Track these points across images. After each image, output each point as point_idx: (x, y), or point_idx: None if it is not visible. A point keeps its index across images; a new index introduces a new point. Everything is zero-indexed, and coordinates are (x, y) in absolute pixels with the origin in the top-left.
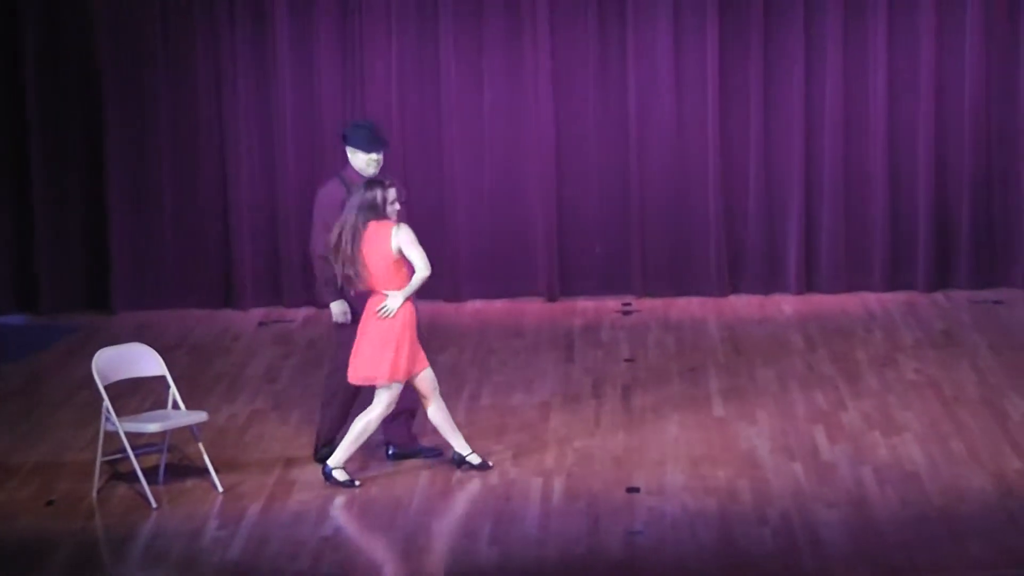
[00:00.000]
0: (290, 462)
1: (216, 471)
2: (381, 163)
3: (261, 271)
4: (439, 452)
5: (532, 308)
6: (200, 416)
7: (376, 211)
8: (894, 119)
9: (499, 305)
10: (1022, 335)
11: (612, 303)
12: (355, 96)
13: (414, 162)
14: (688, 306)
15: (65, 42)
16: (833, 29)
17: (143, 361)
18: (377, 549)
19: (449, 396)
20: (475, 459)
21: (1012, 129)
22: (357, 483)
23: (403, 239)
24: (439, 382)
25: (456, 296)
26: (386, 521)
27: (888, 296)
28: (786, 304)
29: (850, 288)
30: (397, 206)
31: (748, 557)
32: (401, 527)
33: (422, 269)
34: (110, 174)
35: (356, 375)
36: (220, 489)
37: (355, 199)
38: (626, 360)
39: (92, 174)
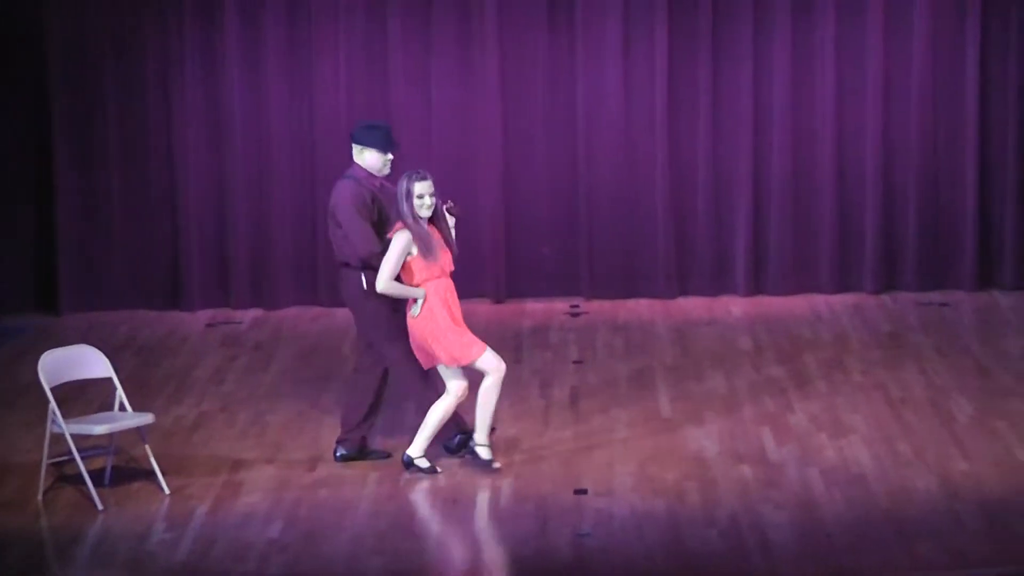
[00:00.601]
0: (237, 464)
1: (163, 473)
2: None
3: (209, 273)
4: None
5: (480, 310)
6: (147, 418)
7: (400, 204)
8: (841, 122)
9: None
10: (968, 337)
11: (560, 305)
12: (303, 98)
13: None
14: (637, 308)
15: (13, 44)
16: (781, 32)
17: (90, 363)
18: (324, 550)
19: (399, 397)
20: (485, 452)
21: (958, 132)
22: (439, 470)
23: (391, 244)
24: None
25: None
26: (334, 523)
27: (835, 298)
28: (734, 306)
29: (798, 290)
30: (427, 200)
31: (696, 559)
32: (349, 529)
33: (378, 281)
34: (58, 175)
35: (425, 360)
36: (167, 491)
37: (404, 191)
38: (574, 362)
39: (40, 176)
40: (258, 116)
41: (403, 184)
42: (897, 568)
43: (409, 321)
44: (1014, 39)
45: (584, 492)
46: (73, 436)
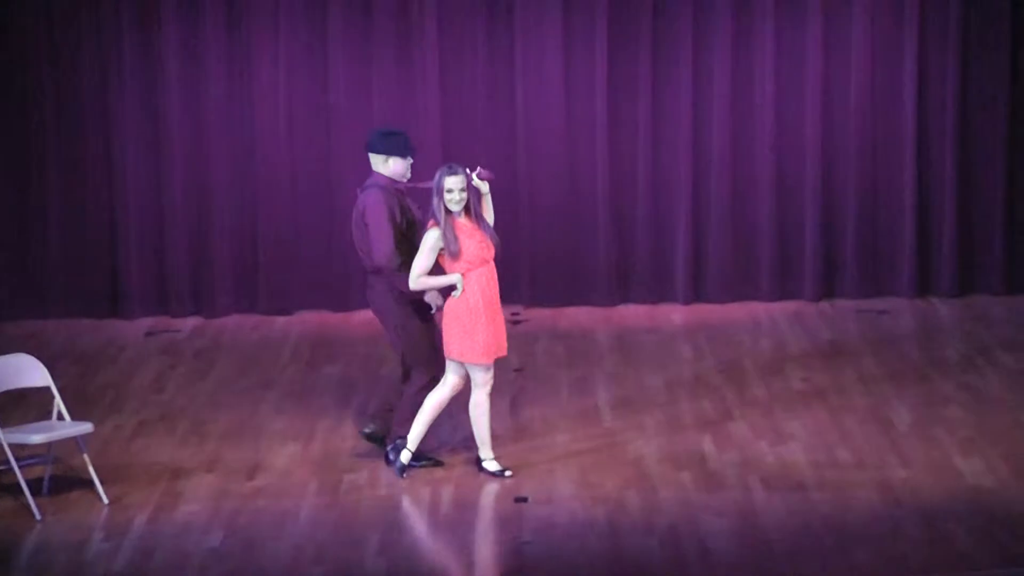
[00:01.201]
0: (177, 472)
1: (102, 482)
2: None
3: (148, 281)
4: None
5: None
6: (85, 427)
7: (434, 198)
8: (781, 129)
9: None
10: (907, 344)
11: None
12: (242, 104)
13: (302, 170)
14: (577, 315)
15: None
16: (721, 42)
17: (28, 372)
18: (265, 560)
19: (339, 407)
20: (493, 465)
21: (896, 139)
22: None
23: (423, 240)
24: (327, 393)
25: (344, 306)
26: (274, 531)
27: (775, 306)
28: (675, 314)
29: (738, 298)
30: (458, 195)
31: (637, 566)
32: (288, 538)
33: (411, 278)
34: None
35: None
36: (106, 500)
37: (435, 186)
38: (515, 370)
39: None
40: (197, 122)
41: (436, 179)
42: (836, 575)
43: (451, 303)
44: (951, 49)
45: (525, 500)
46: (10, 445)
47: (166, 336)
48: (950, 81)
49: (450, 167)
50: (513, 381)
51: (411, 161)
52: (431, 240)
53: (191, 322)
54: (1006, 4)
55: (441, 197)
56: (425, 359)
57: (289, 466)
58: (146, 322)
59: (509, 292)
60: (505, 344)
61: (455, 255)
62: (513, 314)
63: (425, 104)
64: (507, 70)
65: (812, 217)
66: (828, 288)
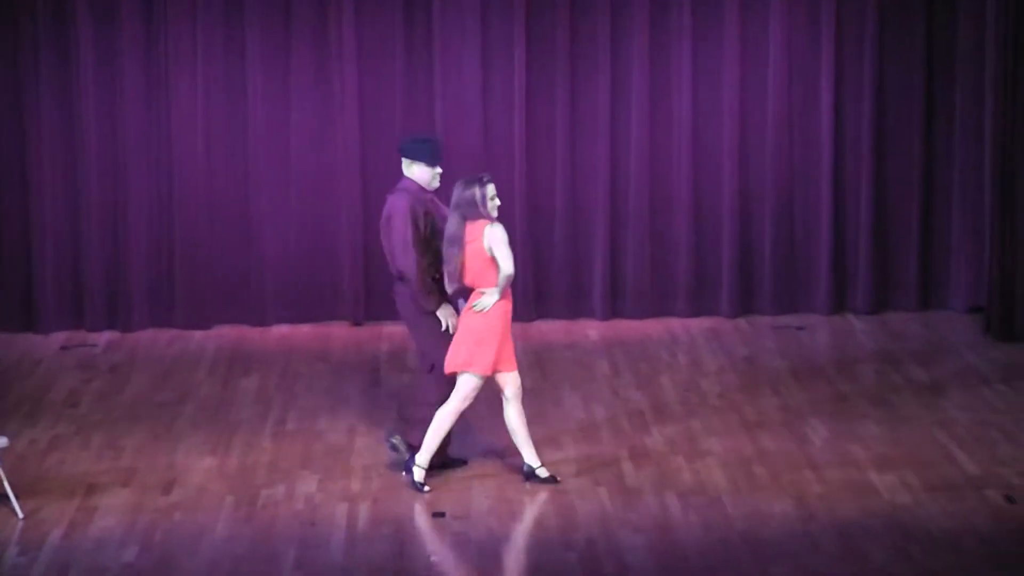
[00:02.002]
0: (92, 487)
1: (16, 497)
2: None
3: (63, 294)
4: (464, 462)
5: (338, 333)
6: (0, 441)
7: (474, 208)
8: (698, 145)
9: (305, 330)
10: (823, 360)
11: None
12: (160, 115)
13: (219, 184)
14: None
15: None
16: (639, 59)
17: None
18: (181, 575)
19: (254, 421)
20: (543, 472)
21: (813, 157)
22: (427, 488)
23: (493, 237)
24: (245, 407)
25: (262, 321)
26: (190, 547)
27: (692, 322)
28: (591, 329)
29: (655, 314)
30: (497, 201)
31: None
32: (205, 552)
33: (505, 268)
34: None
35: (451, 365)
36: (20, 515)
37: (455, 198)
38: None
39: None
40: (113, 136)
41: (475, 191)
42: None
43: (469, 315)
44: (867, 69)
45: (442, 515)
46: None
47: (81, 350)
48: (866, 100)
49: (482, 177)
50: None
51: (439, 170)
52: (504, 233)
53: (106, 336)
54: (920, 22)
55: (486, 205)
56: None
57: (205, 481)
58: (61, 336)
59: None
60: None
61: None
62: None
63: (343, 115)
64: (426, 82)
65: (729, 233)
66: (745, 304)
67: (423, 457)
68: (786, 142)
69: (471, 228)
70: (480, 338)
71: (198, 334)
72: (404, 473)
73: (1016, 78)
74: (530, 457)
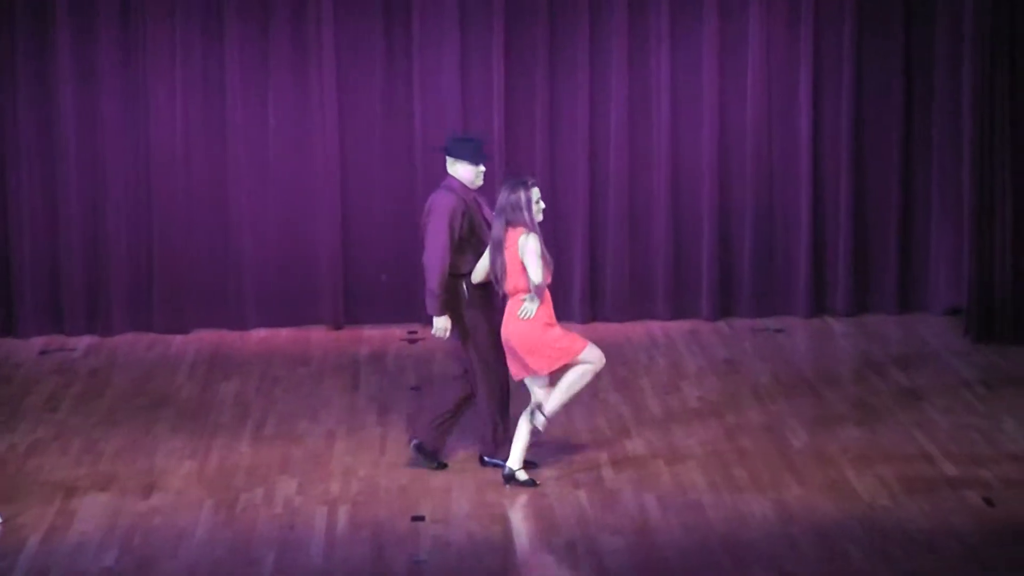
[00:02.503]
0: (71, 491)
1: None
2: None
3: (42, 299)
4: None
5: (318, 336)
6: None
7: (518, 213)
8: (677, 148)
9: (284, 333)
10: (802, 363)
11: (398, 331)
12: (138, 119)
13: (198, 187)
14: None
15: None
16: (618, 61)
17: None
18: None
19: (234, 426)
20: (523, 475)
21: (792, 160)
22: (538, 483)
23: (526, 247)
24: (224, 411)
25: (241, 324)
26: (169, 551)
27: (672, 324)
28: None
29: (634, 317)
30: (542, 204)
31: None
32: (184, 556)
33: (533, 279)
34: None
35: (517, 372)
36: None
37: (500, 202)
38: (412, 388)
39: None
40: (92, 137)
41: (520, 194)
42: None
43: (515, 323)
44: (846, 70)
45: (421, 519)
46: None
47: (60, 355)
48: (845, 104)
49: (526, 180)
50: (410, 399)
51: (482, 169)
52: (539, 241)
53: (86, 340)
54: (898, 26)
55: (531, 209)
56: (485, 370)
57: (185, 485)
58: (40, 340)
59: (406, 311)
60: (571, 351)
61: (548, 267)
62: (410, 332)
63: (323, 119)
64: (405, 85)
65: (708, 236)
66: (724, 307)
67: (515, 459)
68: (765, 145)
69: (511, 234)
70: (532, 344)
71: (177, 338)
72: (507, 484)
73: (993, 82)
74: (515, 461)
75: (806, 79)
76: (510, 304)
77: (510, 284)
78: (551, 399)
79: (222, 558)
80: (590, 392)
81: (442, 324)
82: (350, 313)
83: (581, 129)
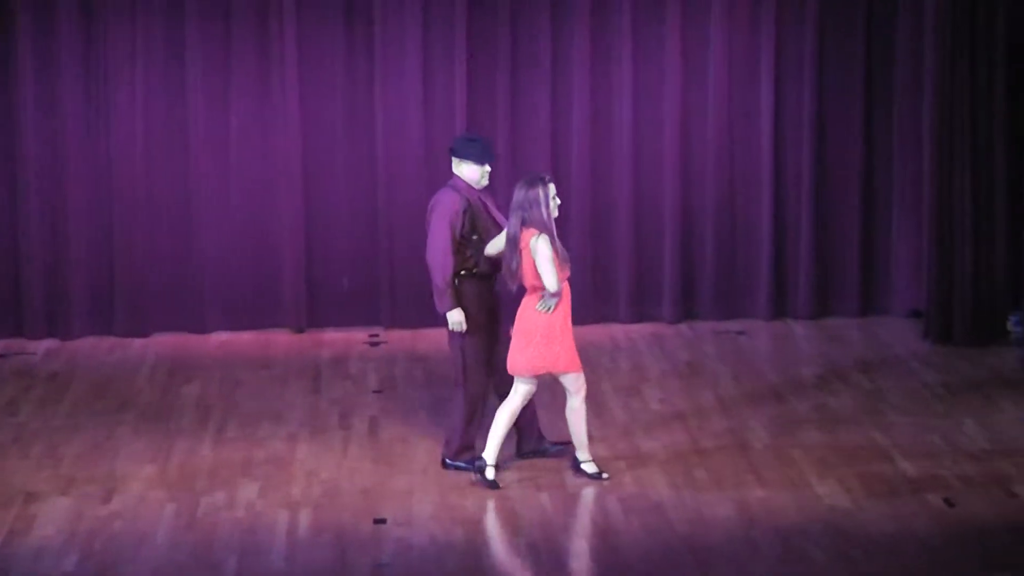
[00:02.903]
0: (31, 496)
1: None
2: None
3: (1, 302)
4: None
5: (279, 340)
6: None
7: (536, 209)
8: (639, 151)
9: (246, 337)
10: (764, 365)
11: (360, 334)
12: (99, 122)
13: (159, 189)
14: (436, 337)
15: None
16: (580, 62)
17: None
18: None
19: (195, 429)
20: (591, 467)
21: (753, 165)
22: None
23: (536, 250)
24: (185, 415)
25: (202, 328)
26: (130, 555)
27: (634, 327)
28: None
29: (596, 320)
30: (558, 200)
31: None
32: (145, 561)
33: (547, 285)
34: None
35: (514, 367)
36: None
37: (516, 199)
38: (374, 391)
39: None
40: (52, 139)
41: (538, 190)
42: None
43: (530, 315)
44: (807, 74)
45: (384, 522)
46: None
47: (20, 359)
48: (806, 107)
49: (543, 176)
50: (372, 402)
51: (487, 169)
52: (548, 244)
53: (45, 344)
54: (860, 30)
55: (548, 205)
56: (473, 367)
57: (146, 489)
58: None
59: (368, 314)
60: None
61: (565, 261)
62: (372, 335)
63: (284, 122)
64: (367, 88)
65: (671, 239)
66: (686, 310)
67: (582, 453)
68: (727, 147)
69: (525, 233)
70: (541, 338)
71: (138, 342)
72: (475, 475)
73: (954, 86)
74: (581, 453)
75: (768, 81)
76: (527, 297)
77: (527, 281)
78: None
79: (183, 562)
80: (550, 394)
81: (456, 318)
82: (312, 316)
83: (543, 132)
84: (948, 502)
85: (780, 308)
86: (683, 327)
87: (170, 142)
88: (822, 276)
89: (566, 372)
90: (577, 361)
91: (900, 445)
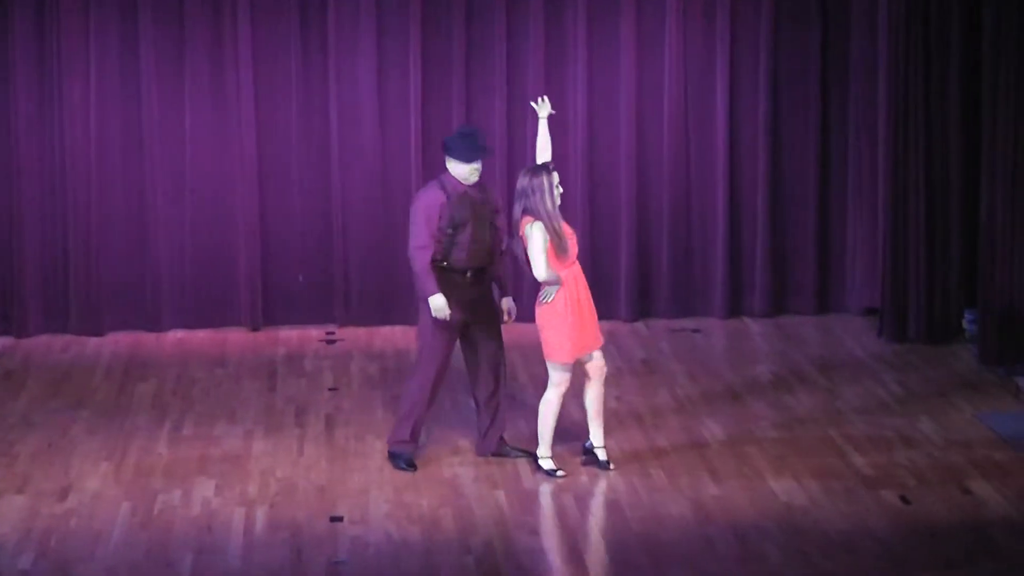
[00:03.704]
0: None
1: None
2: (480, 170)
3: None
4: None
5: (235, 338)
6: None
7: (535, 196)
8: (594, 149)
9: (201, 335)
10: (718, 363)
11: (315, 332)
12: (52, 119)
13: (113, 187)
14: (392, 335)
15: None
16: (534, 59)
17: None
18: None
19: (151, 427)
20: (602, 454)
21: (708, 164)
22: (560, 472)
23: (528, 237)
24: (141, 413)
25: (157, 326)
26: (86, 553)
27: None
28: None
29: None
30: (560, 189)
31: None
32: (101, 560)
33: (536, 272)
34: None
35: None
36: None
37: (520, 185)
38: (330, 389)
39: None
40: (5, 136)
41: (542, 178)
42: None
43: (538, 306)
44: (762, 71)
45: (340, 520)
46: None
47: None
48: (761, 104)
49: (544, 164)
50: (328, 400)
51: (477, 165)
52: (541, 233)
53: (0, 342)
54: (815, 27)
55: (552, 193)
56: (428, 359)
57: (101, 487)
58: None
59: (324, 312)
60: (599, 337)
61: (564, 252)
62: (328, 333)
63: (239, 120)
64: (321, 86)
65: (627, 236)
66: (642, 308)
67: (542, 448)
68: (682, 146)
69: (523, 221)
70: (550, 327)
71: (93, 340)
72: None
73: (908, 82)
74: (595, 436)
75: (722, 77)
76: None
77: (529, 267)
78: (540, 435)
79: (139, 560)
80: (507, 394)
81: (438, 303)
82: (268, 314)
83: (499, 131)
84: (904, 499)
85: (736, 306)
86: (639, 325)
87: (124, 140)
88: (778, 274)
89: (549, 360)
90: (565, 354)
91: (856, 442)
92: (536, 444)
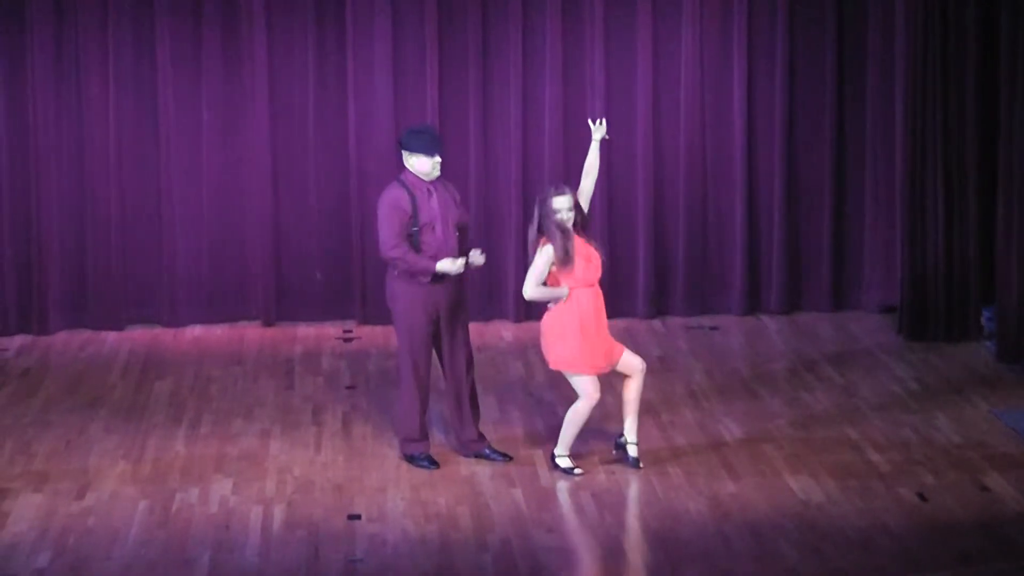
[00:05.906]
0: (4, 493)
1: None
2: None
3: None
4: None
5: (252, 334)
6: None
7: (544, 221)
8: (611, 149)
9: (218, 331)
10: (735, 360)
11: (333, 330)
12: (71, 118)
13: (131, 185)
14: None
15: None
16: (552, 61)
17: None
18: None
19: (168, 426)
20: (633, 450)
21: (726, 160)
22: (578, 470)
23: (537, 256)
24: (158, 411)
25: (174, 322)
26: (103, 552)
27: (607, 323)
28: (506, 331)
29: None
30: (564, 215)
31: None
32: (118, 559)
33: (524, 290)
34: None
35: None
36: None
37: (536, 211)
38: (347, 387)
39: None
40: (24, 136)
41: (547, 203)
42: None
43: (546, 313)
44: (779, 71)
45: (357, 518)
46: None
47: None
48: (778, 103)
49: (556, 187)
50: (345, 398)
51: (438, 159)
52: (544, 258)
53: (18, 340)
54: (831, 27)
55: (551, 217)
56: (406, 365)
57: (119, 485)
58: None
59: (341, 309)
60: (611, 362)
61: (568, 272)
62: (345, 331)
63: (255, 118)
64: (338, 86)
65: (643, 235)
66: (659, 305)
67: (560, 448)
68: (699, 144)
69: (540, 242)
70: (555, 335)
71: (111, 337)
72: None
73: (925, 81)
74: (629, 430)
75: (740, 78)
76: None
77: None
78: (561, 437)
79: (157, 559)
80: (524, 391)
81: (445, 266)
82: (284, 311)
83: (515, 129)
84: (921, 497)
85: (752, 303)
86: (655, 322)
87: (141, 138)
88: (794, 271)
89: (568, 373)
90: (580, 365)
91: (872, 440)
92: (551, 443)
